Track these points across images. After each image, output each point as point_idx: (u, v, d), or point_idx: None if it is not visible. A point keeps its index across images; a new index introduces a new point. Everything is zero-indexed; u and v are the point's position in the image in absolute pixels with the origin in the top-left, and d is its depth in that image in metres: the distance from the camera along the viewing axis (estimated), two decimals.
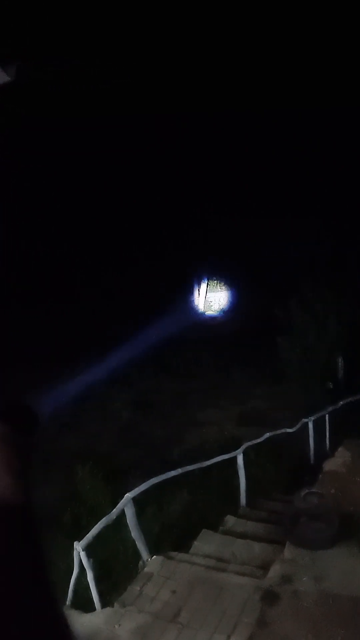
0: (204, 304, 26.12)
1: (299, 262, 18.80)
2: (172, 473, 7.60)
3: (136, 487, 6.79)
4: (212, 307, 26.06)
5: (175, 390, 17.09)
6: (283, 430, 10.74)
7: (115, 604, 5.77)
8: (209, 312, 25.81)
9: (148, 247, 24.09)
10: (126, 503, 6.39)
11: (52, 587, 0.61)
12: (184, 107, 22.71)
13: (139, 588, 6.01)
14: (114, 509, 6.31)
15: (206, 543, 7.17)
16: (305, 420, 11.29)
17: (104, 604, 5.82)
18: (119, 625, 5.45)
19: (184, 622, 5.43)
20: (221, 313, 25.37)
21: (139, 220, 24.59)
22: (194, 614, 5.52)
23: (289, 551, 6.55)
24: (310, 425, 11.33)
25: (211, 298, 26.33)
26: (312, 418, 11.43)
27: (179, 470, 7.78)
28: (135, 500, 6.55)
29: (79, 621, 5.52)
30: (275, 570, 6.19)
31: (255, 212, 23.52)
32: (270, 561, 6.49)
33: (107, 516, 6.11)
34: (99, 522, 5.97)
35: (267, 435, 10.15)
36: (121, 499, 6.53)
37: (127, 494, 6.49)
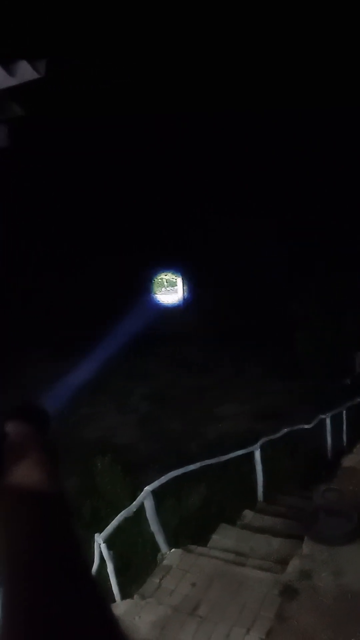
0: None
1: (315, 255, 18.67)
2: (191, 467, 7.64)
3: (154, 480, 6.83)
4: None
5: (191, 385, 17.12)
6: (300, 426, 10.71)
7: (135, 596, 5.82)
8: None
9: (152, 241, 24.05)
10: (145, 496, 6.44)
11: (89, 568, 0.64)
12: (175, 105, 22.60)
13: (158, 580, 6.06)
14: (134, 502, 6.35)
15: (224, 537, 7.19)
16: (323, 416, 11.24)
17: (124, 596, 5.88)
18: (139, 617, 5.50)
19: (203, 615, 5.46)
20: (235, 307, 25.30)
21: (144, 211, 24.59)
22: (213, 607, 5.56)
23: (307, 547, 6.55)
24: (328, 422, 11.28)
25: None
26: (330, 414, 11.38)
27: (198, 464, 7.81)
28: (154, 493, 6.60)
29: None
30: (294, 566, 6.19)
31: (269, 205, 23.40)
32: (289, 556, 6.49)
33: (127, 509, 6.16)
34: (119, 515, 6.02)
35: (285, 430, 10.14)
36: (139, 491, 6.58)
37: (146, 487, 6.53)
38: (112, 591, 5.88)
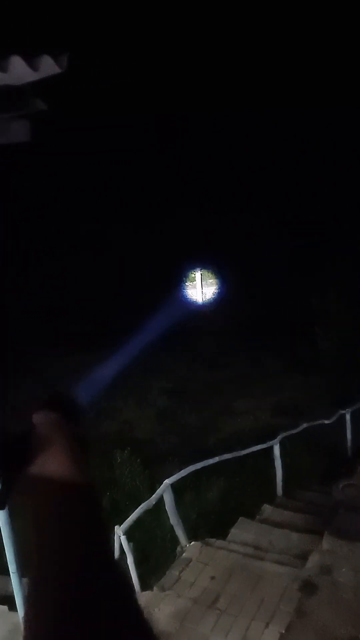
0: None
1: (336, 248, 18.47)
2: (210, 461, 7.65)
3: (173, 473, 6.86)
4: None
5: (209, 379, 17.11)
6: (320, 422, 10.64)
7: (155, 588, 5.86)
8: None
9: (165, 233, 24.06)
10: (165, 489, 6.47)
11: (115, 559, 0.65)
12: (177, 104, 22.54)
13: (177, 573, 6.09)
14: (153, 495, 6.39)
15: (244, 531, 7.20)
16: (342, 412, 11.15)
17: (144, 588, 5.93)
18: (159, 608, 5.54)
19: (222, 608, 5.48)
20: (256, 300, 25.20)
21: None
22: (232, 601, 5.57)
23: (327, 542, 6.52)
24: (348, 417, 11.18)
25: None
26: (350, 410, 11.28)
27: (217, 458, 7.82)
28: (173, 486, 6.63)
29: None
30: (314, 561, 6.17)
31: (289, 200, 23.26)
32: (309, 551, 6.47)
33: (146, 502, 6.20)
34: (139, 507, 6.06)
35: (304, 425, 10.09)
36: (158, 484, 6.61)
37: (165, 480, 6.56)
38: (132, 583, 5.93)
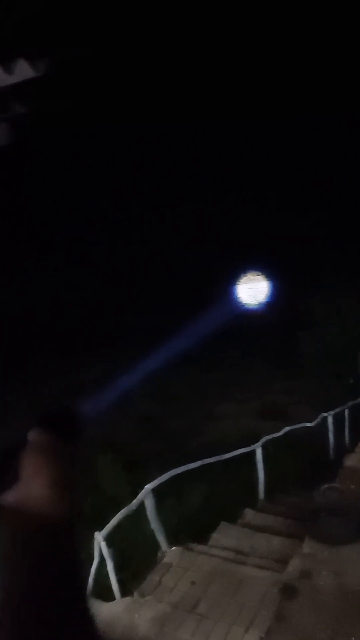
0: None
1: (321, 255, 18.62)
2: (192, 465, 7.63)
3: (155, 478, 6.83)
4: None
5: (194, 383, 17.12)
6: (302, 425, 10.69)
7: (135, 594, 5.83)
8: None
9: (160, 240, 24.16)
10: (146, 494, 6.44)
11: (89, 610, 0.58)
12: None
13: (158, 578, 6.07)
14: (134, 500, 6.36)
15: (225, 535, 7.19)
16: (325, 414, 11.22)
17: (124, 593, 5.89)
18: (139, 614, 5.51)
19: (202, 613, 5.47)
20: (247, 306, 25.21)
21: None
22: (212, 606, 5.56)
23: (308, 546, 6.54)
24: (330, 420, 11.25)
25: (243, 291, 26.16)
26: (332, 413, 11.36)
27: (198, 463, 7.81)
28: (154, 491, 6.60)
29: (99, 610, 5.59)
30: (294, 565, 6.18)
31: (278, 206, 23.42)
32: (290, 555, 6.48)
33: (127, 507, 6.17)
34: (119, 513, 6.03)
35: (286, 429, 10.12)
36: (141, 489, 6.58)
37: (146, 486, 6.53)
38: (112, 588, 5.89)
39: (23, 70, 3.05)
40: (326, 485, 8.12)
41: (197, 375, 17.66)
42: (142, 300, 20.21)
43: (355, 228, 19.70)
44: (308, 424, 10.78)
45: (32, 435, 0.67)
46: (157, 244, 23.34)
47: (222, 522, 7.55)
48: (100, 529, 5.73)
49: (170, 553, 6.55)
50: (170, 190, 24.26)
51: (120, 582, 5.90)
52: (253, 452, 8.96)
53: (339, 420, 11.60)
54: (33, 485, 0.62)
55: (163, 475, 6.93)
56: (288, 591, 5.77)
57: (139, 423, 14.33)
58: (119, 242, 23.59)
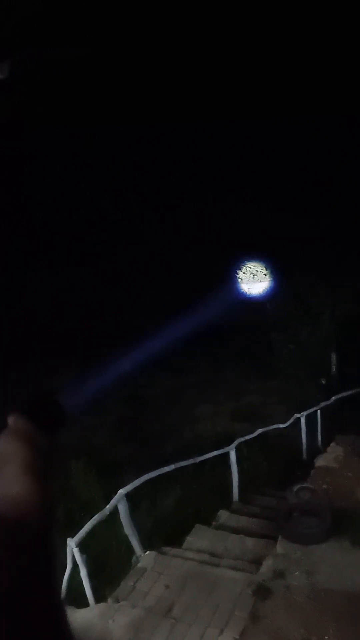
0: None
1: (291, 256, 18.77)
2: (166, 469, 7.63)
3: (130, 482, 6.81)
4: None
5: (169, 385, 17.11)
6: (275, 426, 10.79)
7: (109, 599, 5.81)
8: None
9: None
10: (119, 499, 6.42)
11: (62, 605, 0.54)
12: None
13: (132, 583, 6.05)
14: (108, 505, 6.33)
15: (199, 538, 7.21)
16: (298, 415, 11.34)
17: (98, 599, 5.86)
18: (113, 620, 5.49)
19: (177, 616, 5.48)
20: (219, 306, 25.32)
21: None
22: (187, 609, 5.57)
23: (281, 546, 6.61)
24: (303, 421, 11.38)
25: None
26: (305, 413, 11.49)
27: (172, 466, 7.80)
28: (128, 496, 6.58)
29: (73, 616, 5.54)
30: (267, 565, 6.24)
31: (252, 202, 23.54)
32: (263, 556, 6.54)
33: (100, 512, 6.14)
34: (92, 519, 5.99)
35: (260, 430, 10.19)
36: (115, 494, 6.55)
37: (120, 491, 6.51)
38: (85, 595, 5.85)
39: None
40: (299, 486, 8.22)
41: (171, 378, 17.66)
42: (137, 301, 20.11)
43: (332, 227, 19.90)
44: (281, 425, 10.88)
45: (10, 421, 0.64)
46: (157, 244, 23.31)
47: (197, 524, 7.57)
48: (73, 535, 5.69)
49: (144, 557, 6.54)
50: (170, 190, 24.25)
51: (94, 588, 5.86)
52: (227, 454, 9.00)
53: (311, 420, 11.74)
54: (6, 471, 0.58)
55: (136, 480, 6.93)
56: (262, 592, 5.81)
57: (114, 427, 14.27)
58: (119, 243, 23.47)
